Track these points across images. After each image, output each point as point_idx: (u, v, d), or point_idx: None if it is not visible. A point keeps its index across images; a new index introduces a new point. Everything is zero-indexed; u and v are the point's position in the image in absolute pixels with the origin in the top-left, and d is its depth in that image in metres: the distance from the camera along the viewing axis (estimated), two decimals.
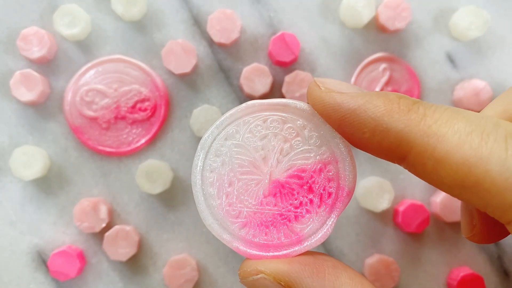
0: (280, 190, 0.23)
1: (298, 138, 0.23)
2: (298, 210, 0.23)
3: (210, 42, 0.33)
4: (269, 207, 0.23)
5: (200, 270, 0.33)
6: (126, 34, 0.33)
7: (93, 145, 0.33)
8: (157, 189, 0.32)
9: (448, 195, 0.32)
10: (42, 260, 0.33)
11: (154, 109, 0.33)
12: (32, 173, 0.31)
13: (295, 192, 0.23)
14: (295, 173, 0.23)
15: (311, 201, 0.23)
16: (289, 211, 0.23)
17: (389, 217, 0.33)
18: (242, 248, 0.23)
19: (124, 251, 0.31)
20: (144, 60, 0.33)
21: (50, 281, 0.33)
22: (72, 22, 0.32)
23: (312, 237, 0.23)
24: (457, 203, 0.32)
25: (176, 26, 0.33)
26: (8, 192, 0.33)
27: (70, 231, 0.33)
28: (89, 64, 0.33)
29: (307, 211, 0.23)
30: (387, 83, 0.33)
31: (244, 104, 0.23)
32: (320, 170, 0.23)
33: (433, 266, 0.33)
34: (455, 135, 0.17)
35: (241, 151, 0.23)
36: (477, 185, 0.16)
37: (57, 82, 0.33)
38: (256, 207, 0.23)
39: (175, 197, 0.33)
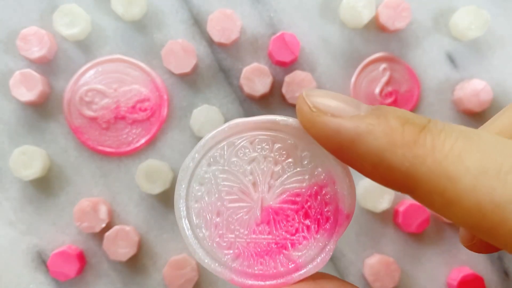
0: (273, 217, 0.21)
1: (290, 159, 0.21)
2: (294, 237, 0.21)
3: (210, 42, 0.33)
4: (263, 236, 0.21)
5: (200, 270, 0.33)
6: (126, 34, 0.33)
7: (93, 145, 0.33)
8: (157, 189, 0.32)
9: None
10: (42, 260, 0.33)
11: (154, 109, 0.33)
12: (32, 173, 0.31)
13: (290, 219, 0.21)
14: (289, 198, 0.21)
15: (307, 227, 0.21)
16: (284, 239, 0.21)
17: (389, 217, 0.33)
18: (237, 279, 0.21)
19: (124, 251, 0.31)
20: (144, 60, 0.33)
21: (50, 281, 0.33)
22: (72, 22, 0.32)
23: (310, 264, 0.21)
24: None
25: (176, 26, 0.33)
26: (8, 192, 0.33)
27: (70, 231, 0.33)
28: (89, 64, 0.33)
29: (304, 238, 0.21)
30: (387, 83, 0.33)
31: (226, 124, 0.20)
32: (316, 193, 0.21)
33: (433, 266, 0.33)
34: (467, 175, 0.15)
35: (228, 177, 0.21)
36: (493, 230, 0.14)
37: (57, 82, 0.33)
38: (249, 236, 0.21)
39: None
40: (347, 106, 0.17)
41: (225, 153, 0.21)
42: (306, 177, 0.21)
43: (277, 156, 0.21)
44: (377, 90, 0.33)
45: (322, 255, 0.21)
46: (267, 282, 0.21)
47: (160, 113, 0.33)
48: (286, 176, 0.21)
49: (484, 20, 0.32)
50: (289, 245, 0.21)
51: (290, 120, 0.20)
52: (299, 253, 0.21)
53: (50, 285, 0.33)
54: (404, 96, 0.33)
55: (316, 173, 0.21)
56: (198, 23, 0.33)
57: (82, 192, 0.33)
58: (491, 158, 0.15)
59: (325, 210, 0.21)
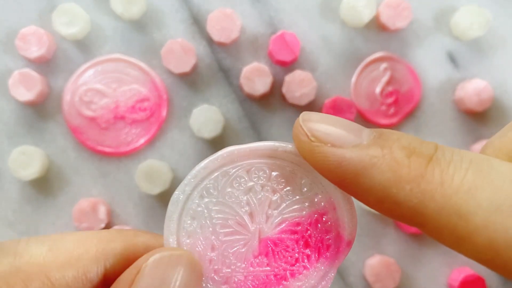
0: (272, 248, 0.20)
1: (289, 187, 0.20)
2: (294, 267, 0.20)
3: (210, 42, 0.33)
4: (261, 268, 0.20)
5: None
6: (126, 33, 0.33)
7: (92, 145, 0.32)
8: (157, 189, 0.32)
9: None
10: None
11: (154, 109, 0.33)
12: (30, 174, 0.31)
13: (289, 249, 0.20)
14: (288, 227, 0.20)
15: (308, 256, 0.20)
16: (284, 270, 0.20)
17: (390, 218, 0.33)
18: None
19: None
20: (143, 59, 0.33)
21: None
22: (71, 21, 0.32)
23: None
24: None
25: (176, 25, 0.33)
26: (7, 193, 0.33)
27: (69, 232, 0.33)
28: (88, 64, 0.33)
29: (304, 267, 0.20)
30: (388, 83, 0.33)
31: (220, 153, 0.19)
32: (316, 221, 0.20)
33: (434, 267, 0.33)
34: (479, 212, 0.14)
35: (222, 209, 0.20)
36: (508, 267, 0.14)
37: (56, 82, 0.33)
38: (246, 270, 0.20)
39: None
40: (348, 133, 0.16)
41: (219, 184, 0.19)
42: (306, 204, 0.20)
43: (275, 185, 0.20)
44: (378, 90, 0.33)
45: (323, 283, 0.20)
46: None
47: (159, 113, 0.33)
48: (284, 205, 0.20)
49: (485, 19, 0.32)
50: (289, 275, 0.20)
51: (288, 146, 0.19)
52: (299, 283, 0.20)
53: None
54: (405, 95, 0.33)
55: (316, 200, 0.20)
56: (197, 23, 0.33)
57: (81, 192, 0.33)
58: (504, 192, 0.14)
59: (326, 237, 0.20)
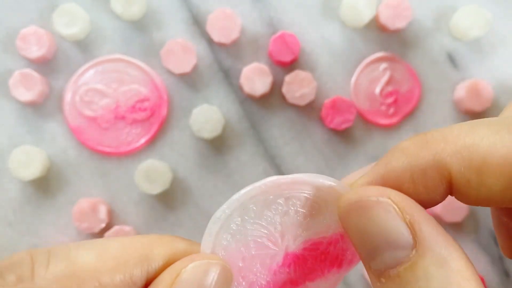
0: (294, 260, 0.23)
1: (320, 215, 0.22)
2: (310, 277, 0.23)
3: (210, 42, 0.33)
4: (282, 276, 0.23)
5: None
6: (126, 33, 0.33)
7: (92, 145, 0.33)
8: (157, 189, 0.32)
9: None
10: None
11: (154, 109, 0.33)
12: (31, 173, 0.31)
13: (308, 262, 0.23)
14: (312, 246, 0.22)
15: (322, 269, 0.23)
16: (301, 279, 0.23)
17: None
18: None
19: None
20: (143, 59, 0.33)
21: None
22: (71, 21, 0.32)
23: None
24: (457, 203, 0.32)
25: (176, 25, 0.33)
26: (7, 193, 0.33)
27: (69, 232, 0.33)
28: (88, 64, 0.33)
29: (318, 276, 0.23)
30: (387, 83, 0.33)
31: (263, 181, 0.21)
32: (336, 241, 0.22)
33: None
34: (483, 140, 0.16)
35: (258, 228, 0.22)
36: None
37: (56, 82, 0.33)
38: (268, 277, 0.23)
39: (174, 197, 0.33)
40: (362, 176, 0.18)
41: (258, 207, 0.21)
42: (330, 229, 0.22)
43: (307, 212, 0.21)
44: (378, 90, 0.33)
45: None
46: None
47: (159, 113, 0.33)
48: (313, 228, 0.22)
49: (485, 19, 0.32)
50: (305, 286, 0.23)
51: (333, 185, 0.21)
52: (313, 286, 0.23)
53: None
54: (404, 96, 0.33)
55: (339, 225, 0.21)
56: (197, 23, 0.33)
57: (81, 192, 0.33)
58: (497, 123, 0.16)
59: (341, 255, 0.22)
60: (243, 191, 0.21)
